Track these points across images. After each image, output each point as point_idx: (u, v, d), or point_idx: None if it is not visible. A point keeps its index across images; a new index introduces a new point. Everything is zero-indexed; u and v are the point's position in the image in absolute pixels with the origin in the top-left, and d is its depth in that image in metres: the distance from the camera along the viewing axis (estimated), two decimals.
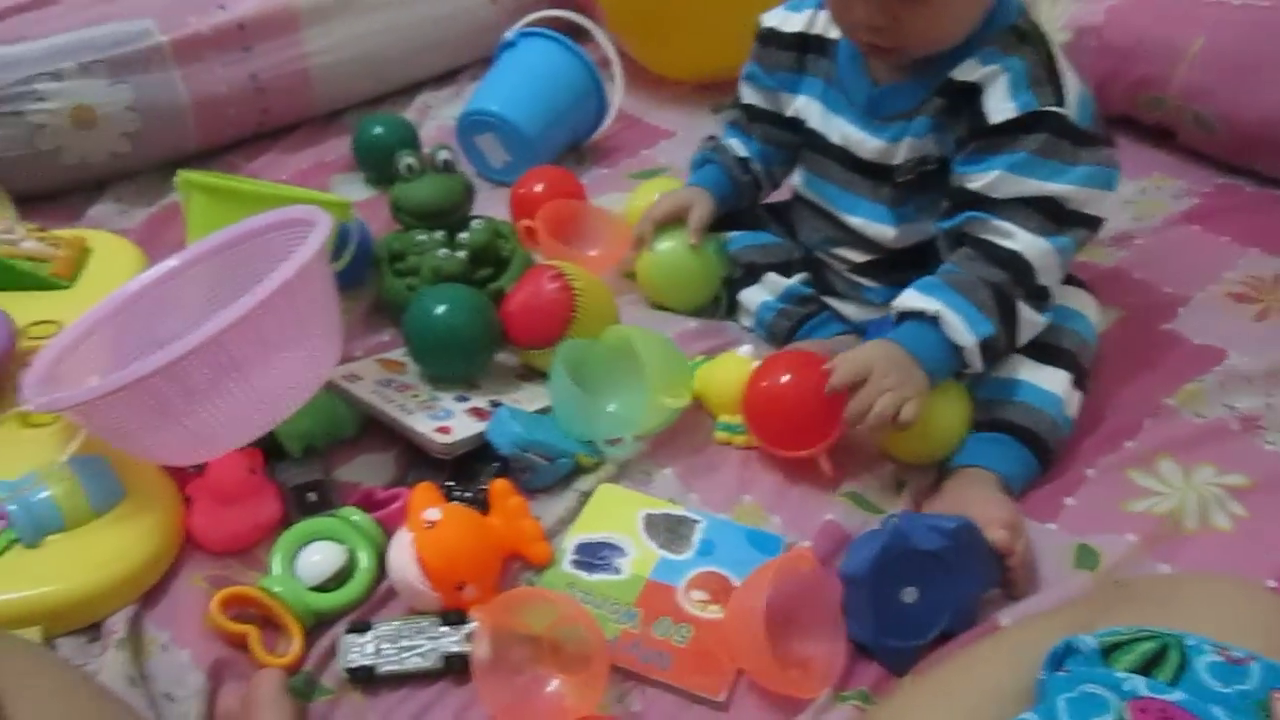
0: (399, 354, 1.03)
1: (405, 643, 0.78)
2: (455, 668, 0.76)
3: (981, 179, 0.87)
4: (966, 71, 0.88)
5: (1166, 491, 0.89)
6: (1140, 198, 1.25)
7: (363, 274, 1.13)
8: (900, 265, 0.97)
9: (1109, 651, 0.55)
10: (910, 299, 0.88)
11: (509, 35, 1.38)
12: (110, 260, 1.12)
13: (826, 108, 0.98)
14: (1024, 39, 0.88)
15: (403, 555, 0.80)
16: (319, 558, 0.83)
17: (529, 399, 0.99)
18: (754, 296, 1.08)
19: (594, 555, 0.85)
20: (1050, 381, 0.90)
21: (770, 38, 1.03)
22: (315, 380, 0.87)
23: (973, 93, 0.87)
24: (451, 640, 0.77)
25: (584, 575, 0.84)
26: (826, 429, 0.88)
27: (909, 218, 0.95)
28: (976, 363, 0.87)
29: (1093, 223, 0.90)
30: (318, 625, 0.81)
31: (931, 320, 0.86)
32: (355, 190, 1.33)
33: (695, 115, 1.45)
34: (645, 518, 0.88)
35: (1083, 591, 0.79)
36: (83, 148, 1.29)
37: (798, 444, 0.90)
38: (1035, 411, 0.89)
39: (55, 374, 0.90)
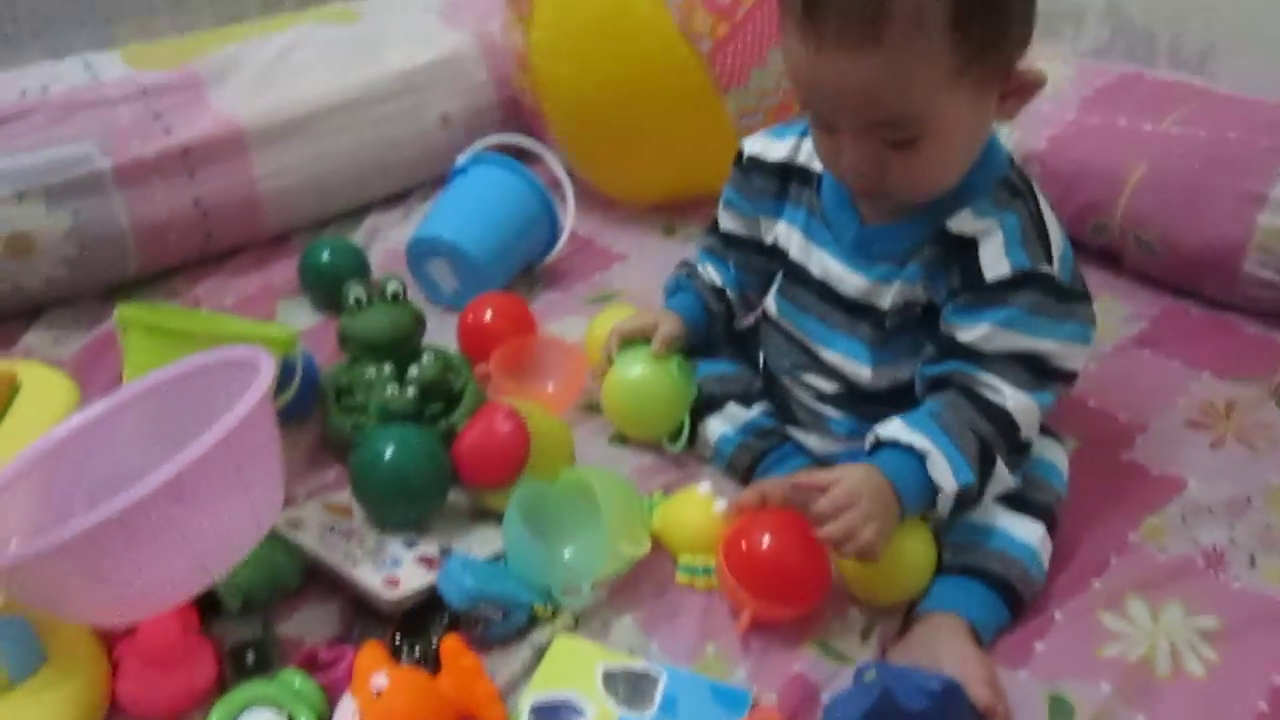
0: (344, 497, 0.99)
1: None
2: None
3: (971, 332, 0.87)
4: (962, 223, 0.87)
5: (1136, 635, 0.87)
6: None
7: (308, 407, 1.09)
8: (870, 399, 0.96)
9: None
10: (898, 430, 0.87)
11: (460, 161, 1.37)
12: (40, 397, 1.07)
13: (808, 239, 0.97)
14: (1016, 194, 0.88)
15: None
16: None
17: (482, 543, 0.95)
18: (714, 428, 1.05)
19: (551, 717, 0.81)
20: (1026, 532, 0.89)
21: (752, 165, 1.00)
22: (256, 533, 0.83)
23: (967, 245, 0.87)
24: None
25: None
26: (819, 586, 0.87)
27: (887, 360, 0.94)
28: (946, 509, 0.86)
29: (1071, 378, 0.90)
30: None
31: (918, 456, 0.85)
32: (302, 316, 1.31)
33: (649, 237, 1.45)
34: (604, 672, 0.84)
35: None
36: (17, 275, 1.25)
37: (791, 602, 0.87)
38: (1011, 561, 0.88)
39: None
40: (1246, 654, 0.85)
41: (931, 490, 0.85)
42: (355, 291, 1.09)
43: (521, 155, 1.42)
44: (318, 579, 0.92)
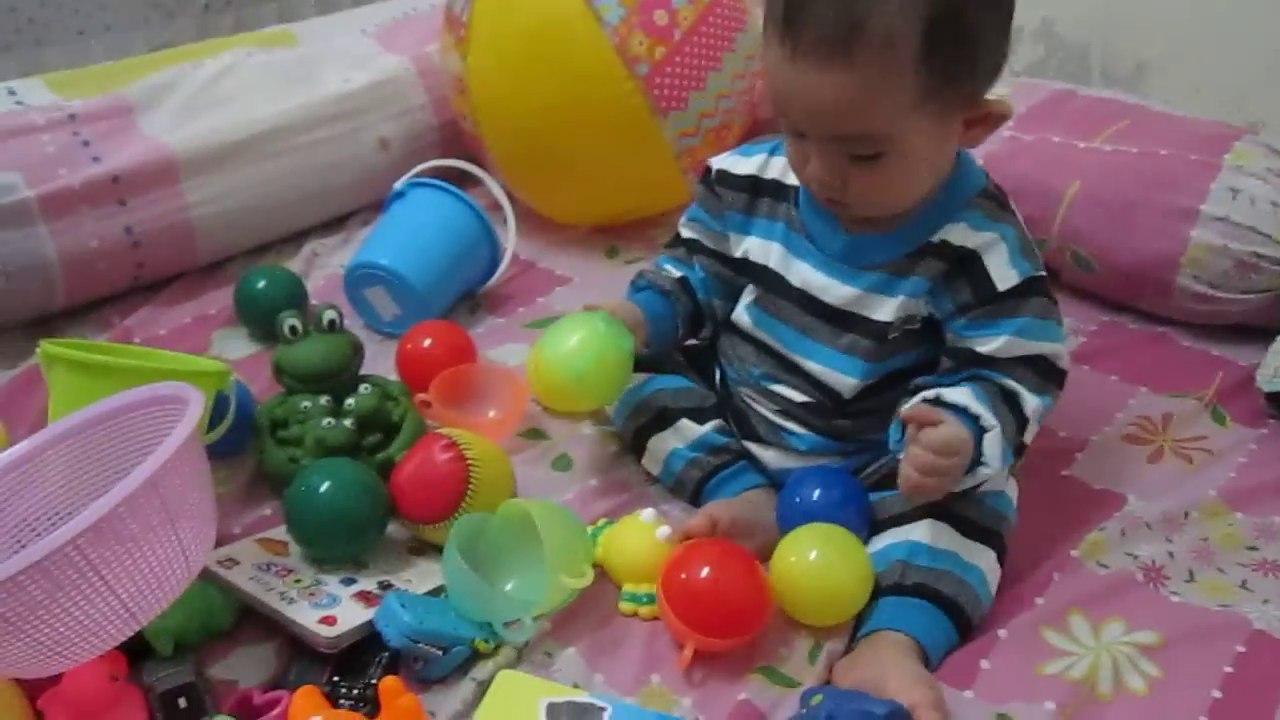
0: (279, 533, 0.96)
1: None
2: None
3: (991, 343, 0.90)
4: (961, 237, 0.90)
5: (1079, 652, 0.87)
6: None
7: (243, 441, 1.07)
8: (840, 411, 0.97)
9: None
10: (969, 400, 0.87)
11: (398, 186, 1.36)
12: None
13: (789, 251, 0.97)
14: (1003, 205, 0.93)
15: None
16: None
17: (421, 577, 0.93)
18: (664, 444, 1.04)
19: None
20: (979, 558, 0.90)
21: (720, 179, 1.01)
22: (186, 575, 0.80)
23: (971, 258, 0.90)
24: None
25: None
26: (759, 615, 0.86)
27: (876, 373, 0.95)
28: (968, 484, 0.88)
29: (1064, 378, 0.94)
30: None
31: (980, 430, 0.86)
32: (238, 346, 1.28)
33: (592, 260, 1.44)
34: (548, 707, 0.82)
35: None
36: None
37: (733, 634, 0.86)
38: (963, 585, 0.88)
39: None
40: (1186, 669, 0.86)
41: (973, 467, 0.87)
42: (290, 321, 1.07)
43: (461, 179, 1.41)
44: (252, 618, 0.90)
